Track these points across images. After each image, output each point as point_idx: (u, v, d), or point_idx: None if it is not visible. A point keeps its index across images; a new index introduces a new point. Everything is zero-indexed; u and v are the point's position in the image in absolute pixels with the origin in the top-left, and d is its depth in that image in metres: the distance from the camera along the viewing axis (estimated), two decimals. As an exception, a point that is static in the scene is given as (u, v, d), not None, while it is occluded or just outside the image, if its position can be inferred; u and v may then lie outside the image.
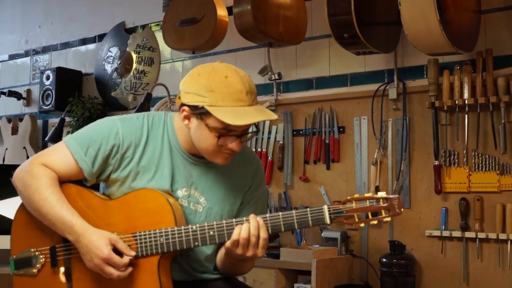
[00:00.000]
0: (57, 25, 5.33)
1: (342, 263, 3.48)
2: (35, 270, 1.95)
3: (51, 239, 1.95)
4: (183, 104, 1.90)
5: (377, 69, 3.65)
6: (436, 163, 3.33)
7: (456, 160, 3.33)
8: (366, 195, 1.83)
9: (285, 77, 3.98)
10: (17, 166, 2.00)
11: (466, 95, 3.23)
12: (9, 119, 5.24)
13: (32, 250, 1.96)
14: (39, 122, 5.23)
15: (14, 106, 5.43)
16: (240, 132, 1.88)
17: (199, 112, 1.85)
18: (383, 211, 1.81)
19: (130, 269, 1.84)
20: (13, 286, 1.98)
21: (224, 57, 4.19)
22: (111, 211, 1.92)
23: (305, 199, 3.82)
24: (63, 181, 1.95)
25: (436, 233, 3.35)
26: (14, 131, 5.15)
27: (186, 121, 1.91)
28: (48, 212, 1.87)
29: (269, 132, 3.99)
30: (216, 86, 1.83)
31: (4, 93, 5.29)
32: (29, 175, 1.91)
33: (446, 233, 3.31)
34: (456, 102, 3.25)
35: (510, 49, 3.26)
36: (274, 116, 1.88)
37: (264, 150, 3.98)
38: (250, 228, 1.82)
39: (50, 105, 4.88)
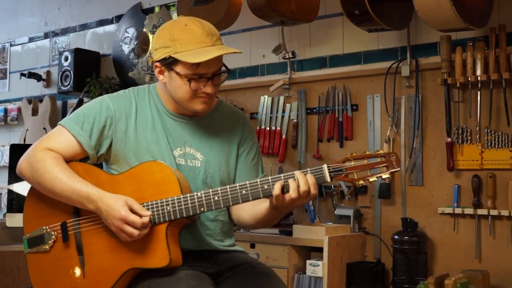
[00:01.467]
0: (75, 7, 5.39)
1: (355, 240, 3.50)
2: (47, 247, 2.00)
3: (61, 216, 2.00)
4: (154, 62, 2.02)
5: (390, 47, 3.64)
6: (449, 140, 3.32)
7: (469, 137, 3.32)
8: (364, 153, 1.88)
9: (299, 56, 3.98)
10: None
11: (478, 71, 3.21)
12: (29, 101, 5.33)
13: (44, 227, 2.02)
14: (59, 103, 5.31)
15: (34, 88, 5.52)
16: (211, 74, 1.98)
17: (168, 63, 1.97)
18: (381, 168, 1.85)
19: (148, 228, 1.89)
20: (27, 264, 2.04)
21: (238, 36, 4.21)
22: (119, 184, 1.97)
23: (319, 177, 3.83)
24: (68, 161, 2.00)
25: (449, 210, 3.34)
26: (34, 112, 5.25)
27: (161, 77, 2.03)
28: (62, 189, 1.92)
29: (283, 111, 4.00)
30: (178, 34, 1.95)
31: (24, 75, 5.38)
32: (34, 160, 1.97)
33: (458, 211, 3.31)
34: (469, 79, 3.23)
35: (524, 25, 3.22)
36: (233, 50, 1.96)
37: (278, 128, 4.00)
38: (307, 181, 1.84)
39: (69, 86, 4.96)
